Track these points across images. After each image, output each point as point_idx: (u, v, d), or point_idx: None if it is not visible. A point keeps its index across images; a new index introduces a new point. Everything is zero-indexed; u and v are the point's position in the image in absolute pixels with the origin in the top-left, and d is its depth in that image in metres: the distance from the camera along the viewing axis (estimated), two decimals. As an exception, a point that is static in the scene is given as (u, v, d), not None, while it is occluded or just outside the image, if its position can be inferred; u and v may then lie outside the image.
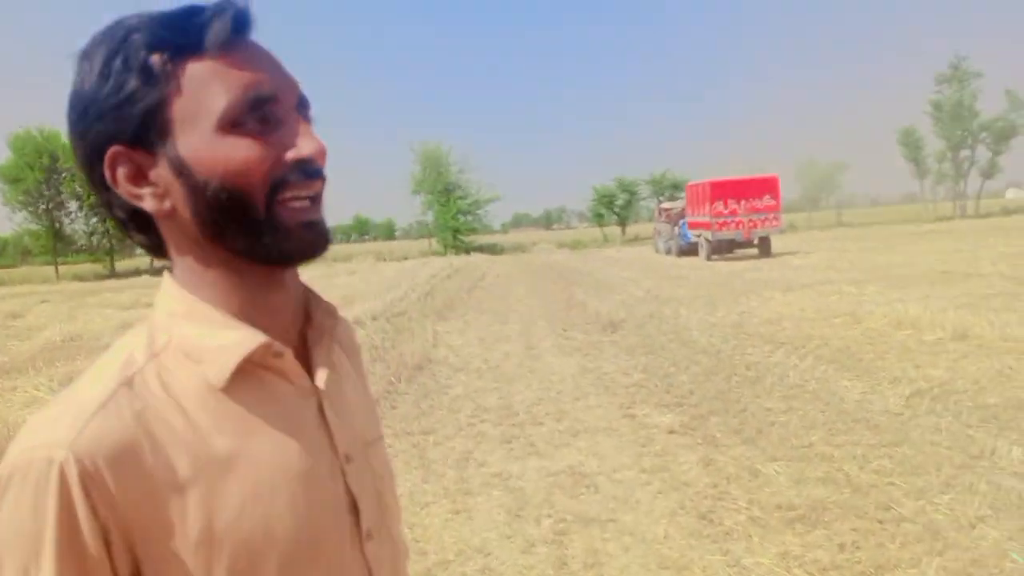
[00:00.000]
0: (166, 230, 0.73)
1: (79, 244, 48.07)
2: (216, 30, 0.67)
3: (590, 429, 5.75)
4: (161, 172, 0.69)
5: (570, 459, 5.07)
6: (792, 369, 7.19)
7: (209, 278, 0.73)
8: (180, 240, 0.73)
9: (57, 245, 46.03)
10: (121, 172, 0.69)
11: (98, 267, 47.41)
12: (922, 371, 6.74)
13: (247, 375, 0.71)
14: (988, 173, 52.29)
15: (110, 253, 47.45)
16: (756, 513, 3.99)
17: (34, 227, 46.83)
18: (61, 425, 0.62)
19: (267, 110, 0.69)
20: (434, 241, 52.83)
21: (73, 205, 47.03)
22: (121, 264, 48.84)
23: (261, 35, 0.72)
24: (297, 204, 0.70)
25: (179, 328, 0.71)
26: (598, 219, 55.81)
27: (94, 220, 46.34)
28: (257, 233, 0.70)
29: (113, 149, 0.68)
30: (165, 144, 0.68)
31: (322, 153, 0.71)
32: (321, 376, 0.77)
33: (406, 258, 44.28)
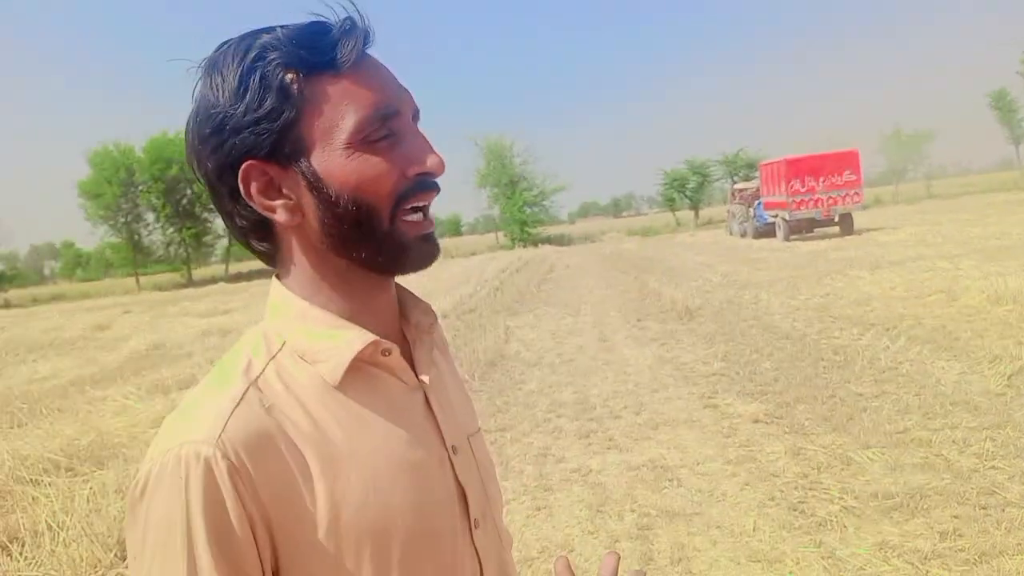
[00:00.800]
0: (291, 240, 0.76)
1: (157, 255, 50.18)
2: (347, 50, 0.70)
3: (670, 421, 5.62)
4: (294, 186, 0.72)
5: (651, 452, 4.96)
6: (883, 351, 6.86)
7: (324, 284, 0.77)
8: (303, 249, 0.76)
9: (136, 256, 48.16)
10: (255, 185, 0.72)
11: (176, 276, 49.50)
12: (1025, 348, 6.32)
13: (359, 372, 0.75)
14: (1091, 133, 49.08)
15: (187, 262, 49.38)
16: (850, 502, 3.81)
17: (114, 240, 49.05)
18: (203, 423, 0.66)
19: (391, 125, 0.73)
20: (501, 235, 53.00)
21: (150, 217, 49.04)
22: (198, 272, 50.81)
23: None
24: (414, 217, 0.75)
25: (293, 331, 0.76)
26: (669, 204, 54.82)
27: (171, 231, 48.23)
28: (379, 244, 0.74)
29: (248, 163, 0.71)
30: (299, 159, 0.71)
31: (441, 165, 0.75)
32: (425, 371, 0.82)
33: (474, 253, 44.57)
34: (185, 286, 43.63)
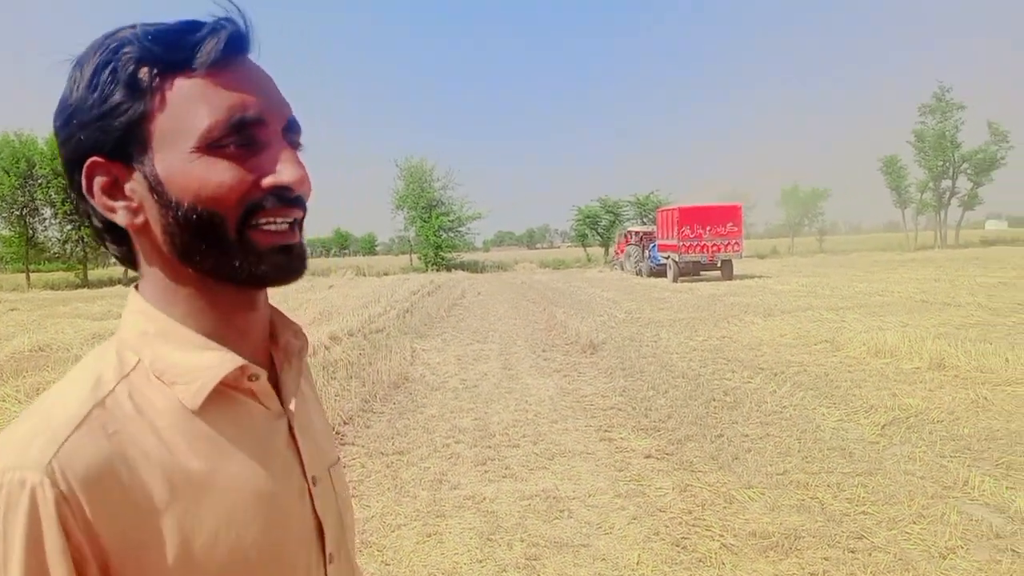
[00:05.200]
0: (138, 244, 0.72)
1: (52, 252, 47.23)
2: (207, 49, 0.66)
3: (566, 452, 5.71)
4: (136, 187, 0.68)
5: (545, 482, 5.02)
6: (770, 395, 7.20)
7: (180, 296, 0.72)
8: (151, 256, 0.72)
9: (29, 252, 45.24)
10: (97, 183, 0.68)
11: (71, 276, 46.65)
12: (898, 400, 6.77)
13: (220, 397, 0.70)
14: (968, 204, 53.09)
15: (83, 262, 46.70)
16: (730, 540, 3.96)
17: (6, 233, 45.96)
18: (34, 446, 0.60)
19: (251, 133, 0.68)
20: (415, 257, 52.72)
21: (47, 212, 46.20)
22: (94, 273, 47.98)
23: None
24: (272, 228, 0.70)
25: (151, 348, 0.70)
26: (581, 239, 56.00)
27: (68, 228, 45.56)
28: (227, 255, 0.69)
29: (92, 160, 0.67)
30: (143, 159, 0.67)
31: (301, 181, 0.70)
32: (291, 398, 0.78)
33: (386, 273, 44.14)
34: (80, 286, 41.21)
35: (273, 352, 0.80)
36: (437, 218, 48.77)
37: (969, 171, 51.58)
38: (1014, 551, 3.64)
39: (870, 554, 3.72)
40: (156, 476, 0.63)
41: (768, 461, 5.22)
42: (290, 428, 0.77)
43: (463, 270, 46.40)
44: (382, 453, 5.83)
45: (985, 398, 6.67)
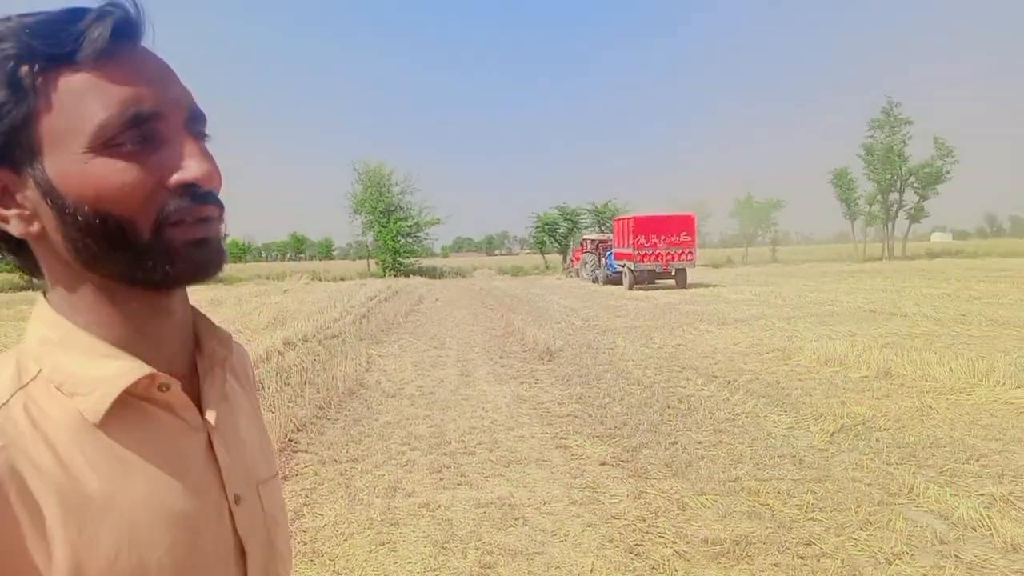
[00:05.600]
0: (38, 252, 0.68)
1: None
2: (92, 38, 0.60)
3: (522, 459, 5.70)
4: (29, 194, 0.63)
5: (500, 490, 5.01)
6: (723, 403, 7.30)
7: (86, 303, 0.67)
8: (53, 263, 0.67)
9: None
10: None
11: (14, 278, 44.99)
12: (847, 408, 6.92)
13: (128, 408, 0.66)
14: (915, 217, 54.67)
15: (26, 264, 44.94)
16: (683, 547, 3.99)
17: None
18: None
19: (149, 128, 0.63)
20: (373, 262, 52.31)
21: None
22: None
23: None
24: (184, 225, 0.65)
25: (52, 357, 0.66)
26: (540, 246, 56.16)
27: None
28: (139, 258, 0.64)
29: None
30: (33, 164, 0.62)
31: (210, 176, 0.65)
32: (212, 409, 0.73)
33: (343, 279, 43.69)
34: (24, 288, 39.74)
35: (198, 361, 0.76)
36: (395, 223, 48.46)
37: (916, 184, 53.13)
38: (957, 557, 3.74)
39: (819, 560, 3.78)
40: (49, 495, 0.59)
41: (721, 468, 5.29)
42: (209, 442, 0.72)
43: (421, 276, 46.15)
44: (336, 460, 5.75)
45: (929, 406, 6.86)
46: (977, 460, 5.26)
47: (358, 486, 5.15)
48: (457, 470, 5.47)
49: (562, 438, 6.29)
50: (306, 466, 5.63)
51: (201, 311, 0.79)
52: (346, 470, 5.51)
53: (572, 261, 37.63)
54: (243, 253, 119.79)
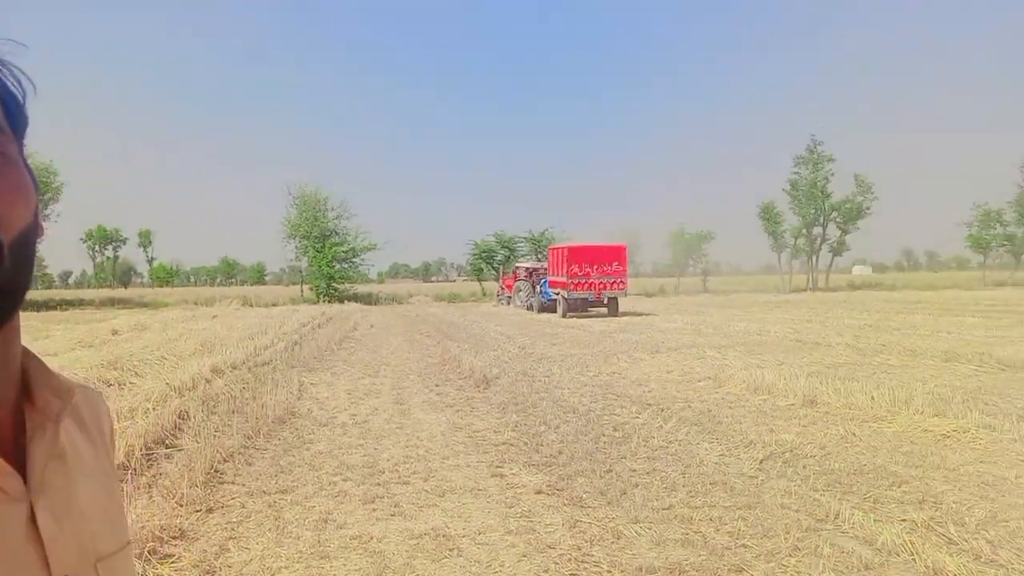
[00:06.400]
0: None
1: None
2: None
3: (457, 489, 5.63)
4: None
5: (435, 521, 4.92)
6: (657, 430, 7.38)
7: None
8: None
9: None
10: None
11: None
12: (775, 435, 7.09)
13: None
14: (837, 250, 57.01)
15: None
16: (618, 576, 3.99)
17: None
18: None
19: None
20: (307, 288, 51.38)
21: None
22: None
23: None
24: None
25: None
26: (477, 273, 56.23)
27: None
28: None
29: None
30: None
31: None
32: (36, 475, 0.62)
33: (275, 304, 42.75)
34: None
35: (27, 415, 0.65)
36: (331, 248, 47.77)
37: (838, 219, 55.46)
38: (879, 580, 3.84)
39: (750, 586, 3.83)
40: None
41: (655, 495, 5.33)
42: (32, 513, 0.61)
43: (356, 302, 45.54)
44: (264, 492, 5.57)
45: (853, 434, 7.08)
46: (899, 486, 5.44)
47: (287, 518, 4.99)
48: (391, 500, 5.37)
49: (498, 467, 6.24)
50: (232, 498, 5.43)
51: (37, 356, 0.69)
52: (275, 501, 5.34)
53: (503, 289, 37.82)
54: (170, 277, 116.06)
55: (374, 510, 5.16)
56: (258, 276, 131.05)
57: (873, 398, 8.42)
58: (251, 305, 41.81)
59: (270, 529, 4.78)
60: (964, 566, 3.89)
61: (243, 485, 5.75)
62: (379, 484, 5.78)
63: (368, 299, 48.76)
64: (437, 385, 10.85)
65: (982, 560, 4.01)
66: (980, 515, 4.75)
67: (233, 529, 4.78)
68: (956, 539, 4.33)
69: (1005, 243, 56.69)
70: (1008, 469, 5.80)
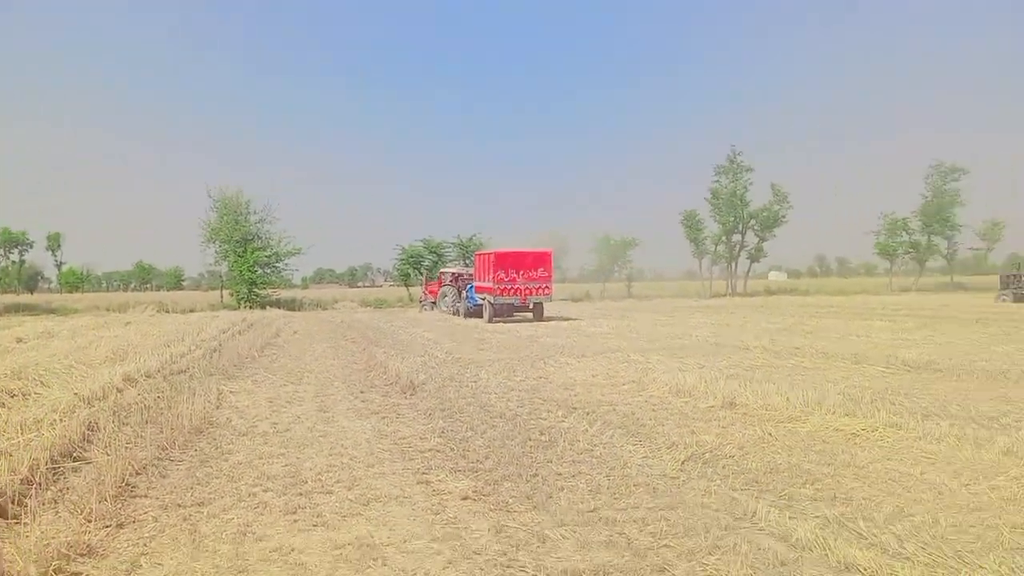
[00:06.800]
0: None
1: None
2: None
3: (382, 497, 5.55)
4: None
5: (359, 530, 4.84)
6: (582, 434, 7.46)
7: None
8: None
9: None
10: None
11: None
12: (696, 437, 7.26)
13: None
14: (755, 257, 59.00)
15: None
16: (543, 580, 4.00)
17: None
18: None
19: None
20: (227, 293, 49.82)
21: None
22: None
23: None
24: None
25: None
26: (404, 279, 55.68)
27: None
28: None
29: None
30: None
31: None
32: None
33: (193, 310, 41.38)
34: None
35: None
36: (253, 253, 46.44)
37: (756, 227, 57.43)
38: None
39: (671, 585, 3.90)
40: None
41: (580, 498, 5.38)
42: None
43: (279, 308, 44.43)
44: (179, 505, 5.36)
45: (770, 434, 7.32)
46: (812, 484, 5.65)
47: (204, 532, 4.81)
48: (313, 510, 5.25)
49: (424, 473, 6.18)
50: (145, 512, 5.21)
51: None
52: (190, 515, 5.15)
53: (426, 294, 37.65)
54: (80, 282, 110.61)
55: (295, 521, 5.04)
56: (175, 281, 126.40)
57: (788, 399, 8.73)
58: (167, 311, 40.34)
59: (185, 544, 4.60)
60: (873, 560, 4.06)
61: (157, 499, 5.52)
62: (301, 494, 5.64)
63: (292, 305, 47.63)
64: (362, 392, 10.68)
65: (889, 553, 4.20)
66: (887, 510, 4.98)
67: (145, 545, 4.59)
68: (866, 534, 4.52)
69: (910, 250, 59.79)
70: (913, 466, 6.10)
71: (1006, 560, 4.01)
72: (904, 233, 59.28)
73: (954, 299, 41.16)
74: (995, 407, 8.36)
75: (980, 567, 3.94)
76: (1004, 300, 35.31)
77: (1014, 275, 36.86)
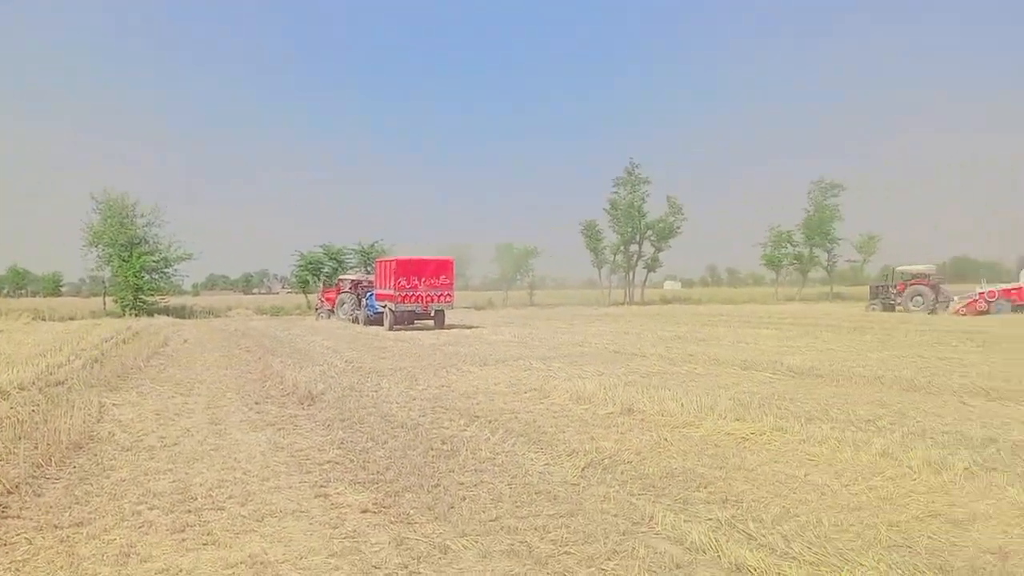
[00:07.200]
0: None
1: None
2: None
3: (278, 512, 5.36)
4: None
5: (252, 547, 4.65)
6: (484, 443, 7.46)
7: None
8: None
9: None
10: None
11: None
12: (596, 443, 7.39)
13: None
14: (651, 266, 60.86)
15: None
16: (444, 592, 3.96)
17: None
18: None
19: None
20: (111, 300, 47.14)
21: None
22: None
23: None
24: None
25: None
26: (302, 285, 54.25)
27: None
28: None
29: None
30: None
31: None
32: None
33: (72, 318, 38.90)
34: None
35: None
36: (139, 258, 44.10)
37: (652, 237, 59.27)
38: (688, 576, 4.09)
39: (572, 592, 3.94)
40: None
41: (482, 508, 5.37)
42: None
43: (168, 315, 42.41)
44: (55, 526, 5.01)
45: (665, 439, 7.54)
46: (705, 487, 5.85)
47: (82, 554, 4.51)
48: (203, 528, 5.01)
49: (322, 486, 6.02)
50: (17, 534, 4.84)
51: None
52: (68, 536, 4.82)
53: (322, 302, 36.89)
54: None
55: (184, 540, 4.80)
56: (53, 287, 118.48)
57: (683, 405, 9.03)
58: (44, 319, 37.75)
59: (62, 567, 4.30)
60: (762, 560, 4.23)
61: (30, 519, 5.14)
62: (190, 511, 5.38)
63: (182, 312, 45.57)
64: (257, 403, 10.32)
65: (777, 553, 4.39)
66: (775, 511, 5.21)
67: (17, 569, 4.26)
68: (755, 535, 4.71)
69: (794, 262, 63.07)
70: (798, 468, 6.42)
71: (883, 557, 4.26)
72: (789, 245, 62.52)
73: (834, 308, 43.75)
74: (871, 411, 8.91)
75: (860, 564, 4.18)
76: (874, 309, 37.80)
77: (882, 286, 39.53)
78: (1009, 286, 33.29)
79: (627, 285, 61.43)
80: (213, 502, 5.61)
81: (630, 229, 58.69)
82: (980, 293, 33.04)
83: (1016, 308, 32.04)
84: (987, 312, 31.85)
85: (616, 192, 59.33)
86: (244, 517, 5.25)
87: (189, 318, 42.92)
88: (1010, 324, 25.03)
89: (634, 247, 59.89)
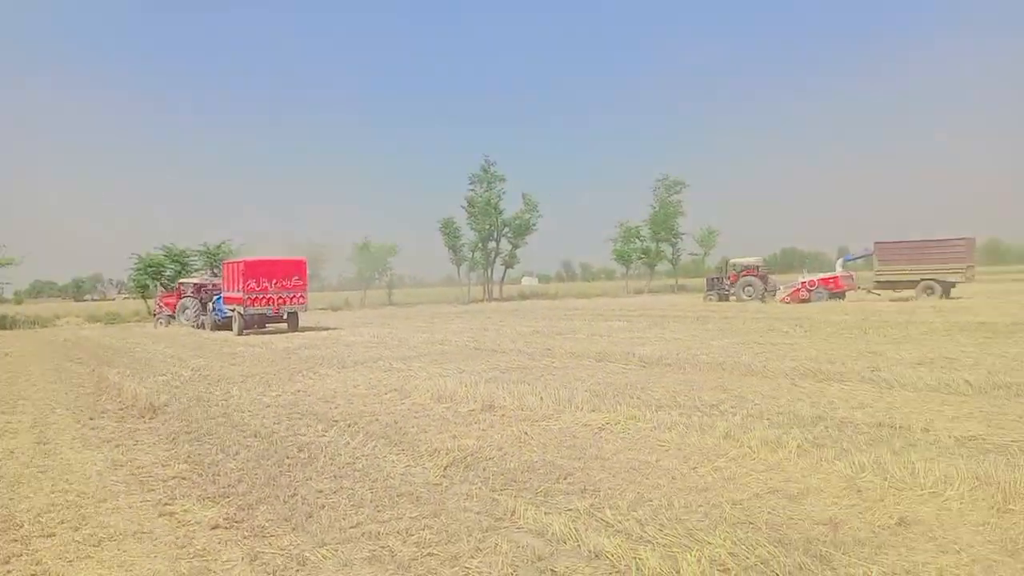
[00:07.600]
0: None
1: None
2: None
3: (117, 535, 4.97)
4: None
5: (89, 574, 4.29)
6: (344, 447, 7.28)
7: None
8: None
9: None
10: None
11: None
12: (458, 441, 7.40)
13: None
14: (509, 263, 61.84)
15: None
16: (304, 606, 3.83)
17: None
18: None
19: None
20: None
21: None
22: None
23: None
24: None
25: None
26: (141, 290, 50.67)
27: None
28: None
29: None
30: None
31: None
32: None
33: None
34: None
35: None
36: (-52, 263, 39.67)
37: (509, 234, 60.23)
38: (552, 571, 4.18)
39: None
40: None
41: (342, 515, 5.23)
42: None
43: (-16, 326, 38.38)
44: None
45: (526, 433, 7.67)
46: (565, 479, 6.00)
47: None
48: (31, 558, 4.57)
49: (167, 504, 5.65)
50: None
51: None
52: None
53: (160, 307, 34.67)
54: None
55: (8, 572, 4.35)
56: None
57: (542, 399, 9.23)
58: None
59: None
60: (619, 546, 4.39)
61: None
62: (15, 540, 4.89)
63: (2, 323, 41.38)
64: (91, 419, 9.53)
65: (633, 538, 4.57)
66: (630, 498, 5.42)
67: None
68: (612, 522, 4.88)
69: (642, 256, 66.21)
70: (650, 454, 6.72)
71: (729, 535, 4.54)
72: (637, 240, 65.50)
73: (679, 299, 46.32)
74: (715, 396, 9.49)
75: (708, 543, 4.43)
76: (711, 299, 40.49)
77: (716, 278, 42.48)
78: (827, 275, 36.61)
79: (486, 282, 62.07)
80: (42, 528, 5.13)
81: (488, 226, 59.31)
82: (802, 282, 36.15)
83: (832, 295, 35.31)
84: (808, 300, 34.86)
85: (473, 190, 59.80)
86: (78, 543, 4.83)
87: (11, 328, 39.05)
88: (828, 310, 27.46)
89: (492, 244, 60.61)
